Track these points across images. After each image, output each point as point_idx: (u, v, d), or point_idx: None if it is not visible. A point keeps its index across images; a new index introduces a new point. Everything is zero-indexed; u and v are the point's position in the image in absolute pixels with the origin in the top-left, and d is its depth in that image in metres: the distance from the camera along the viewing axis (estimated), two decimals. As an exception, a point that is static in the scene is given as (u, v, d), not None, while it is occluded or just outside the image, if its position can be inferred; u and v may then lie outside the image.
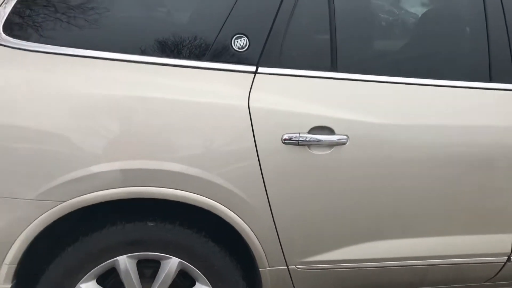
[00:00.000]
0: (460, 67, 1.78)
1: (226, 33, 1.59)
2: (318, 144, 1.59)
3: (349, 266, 1.76)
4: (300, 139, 1.57)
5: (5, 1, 1.52)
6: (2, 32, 1.49)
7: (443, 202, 1.74)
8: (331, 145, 1.60)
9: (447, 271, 1.86)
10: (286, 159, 1.58)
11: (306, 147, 1.59)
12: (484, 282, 1.97)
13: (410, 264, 1.80)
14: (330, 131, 1.60)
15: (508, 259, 1.86)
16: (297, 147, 1.58)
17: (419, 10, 1.86)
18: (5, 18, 1.50)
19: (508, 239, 1.84)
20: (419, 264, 1.80)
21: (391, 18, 1.87)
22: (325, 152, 1.60)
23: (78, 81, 1.50)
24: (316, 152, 1.60)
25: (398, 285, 1.89)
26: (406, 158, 1.67)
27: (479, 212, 1.79)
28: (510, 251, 1.85)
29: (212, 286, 1.68)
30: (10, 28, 1.50)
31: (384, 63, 1.76)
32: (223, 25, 1.59)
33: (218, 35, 1.59)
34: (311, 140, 1.58)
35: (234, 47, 1.59)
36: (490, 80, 1.75)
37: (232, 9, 1.60)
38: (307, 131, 1.58)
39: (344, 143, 1.60)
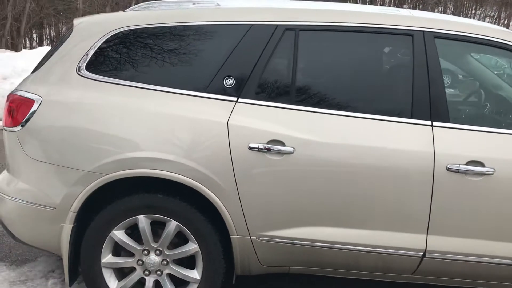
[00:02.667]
0: (386, 106, 2.44)
1: (220, 75, 2.44)
2: (272, 152, 2.34)
3: (296, 243, 2.43)
4: (260, 147, 2.34)
5: (92, 47, 2.49)
6: (85, 69, 2.47)
7: (365, 203, 2.37)
8: (282, 153, 2.34)
9: (375, 259, 2.45)
10: (250, 160, 2.35)
11: (264, 153, 2.35)
12: (411, 275, 2.52)
13: (343, 248, 2.42)
14: (282, 143, 2.35)
15: (424, 255, 2.42)
16: (258, 152, 2.35)
17: (360, 61, 2.55)
18: (88, 59, 2.48)
19: (423, 238, 2.40)
20: (351, 249, 2.42)
21: (339, 69, 2.57)
22: (277, 158, 2.35)
23: (136, 103, 2.40)
24: (271, 157, 2.35)
25: (337, 265, 2.52)
26: (338, 166, 2.35)
27: (396, 215, 2.38)
28: (424, 248, 2.41)
29: (198, 245, 2.46)
30: (91, 66, 2.47)
31: (329, 100, 2.46)
32: (219, 70, 2.44)
33: (215, 76, 2.44)
34: (267, 149, 2.34)
35: (224, 84, 2.43)
36: (412, 116, 2.39)
37: (225, 60, 2.45)
38: (265, 142, 2.34)
39: (291, 153, 2.34)
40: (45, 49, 15.64)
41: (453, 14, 33.73)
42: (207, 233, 2.45)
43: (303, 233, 2.43)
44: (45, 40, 26.76)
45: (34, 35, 26.49)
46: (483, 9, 35.28)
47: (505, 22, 36.19)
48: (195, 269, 2.51)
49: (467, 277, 2.51)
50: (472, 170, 2.31)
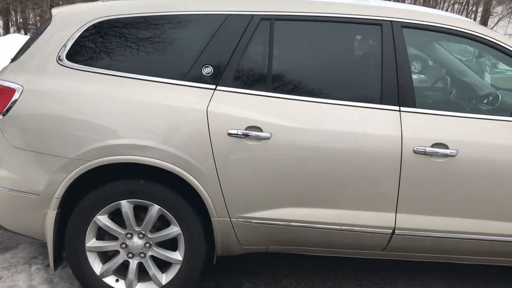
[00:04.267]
0: (357, 92, 2.58)
1: (199, 64, 2.52)
2: (250, 137, 2.45)
3: (273, 224, 2.56)
4: (238, 133, 2.44)
5: (71, 37, 2.54)
6: (65, 59, 2.52)
7: (338, 184, 2.51)
8: (260, 138, 2.46)
9: (348, 237, 2.60)
10: (229, 145, 2.46)
11: (243, 139, 2.45)
12: (382, 251, 2.69)
13: (318, 227, 2.56)
14: (260, 129, 2.46)
15: (393, 232, 2.58)
16: (236, 138, 2.45)
17: (333, 50, 2.68)
18: (67, 49, 2.53)
19: (392, 217, 2.56)
20: (325, 228, 2.57)
21: (312, 58, 2.69)
22: (255, 143, 2.46)
23: (116, 91, 2.46)
24: (249, 142, 2.46)
25: (312, 244, 2.66)
26: (312, 150, 2.48)
27: (366, 195, 2.53)
28: (394, 226, 2.57)
29: (180, 227, 2.56)
30: (71, 56, 2.52)
31: (304, 87, 2.58)
32: (197, 59, 2.52)
33: (194, 64, 2.52)
34: (245, 134, 2.44)
35: (203, 73, 2.51)
36: (381, 102, 2.53)
37: (203, 49, 2.53)
38: (244, 128, 2.45)
39: (268, 138, 2.45)
40: (14, 36, 15.26)
41: (424, 1, 34.34)
42: (188, 216, 2.55)
43: (280, 214, 2.56)
44: (12, 27, 26.06)
45: (0, 22, 25.77)
46: (452, -5, 35.95)
47: (473, 8, 37.05)
48: (177, 251, 2.61)
49: (435, 252, 2.69)
50: (437, 152, 2.47)
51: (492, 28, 36.98)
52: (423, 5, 36.65)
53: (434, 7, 38.69)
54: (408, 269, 3.20)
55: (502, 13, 37.10)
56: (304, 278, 3.06)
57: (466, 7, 37.93)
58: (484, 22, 36.75)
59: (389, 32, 2.58)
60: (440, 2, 39.28)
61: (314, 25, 2.63)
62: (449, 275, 3.18)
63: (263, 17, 2.58)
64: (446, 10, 38.28)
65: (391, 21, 2.60)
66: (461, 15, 38.77)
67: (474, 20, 39.96)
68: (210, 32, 2.56)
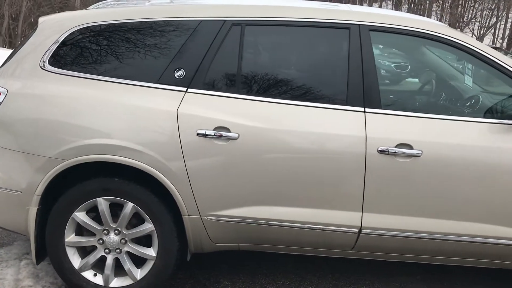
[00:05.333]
0: (324, 94, 2.64)
1: (171, 68, 2.64)
2: (219, 138, 2.54)
3: (243, 222, 2.64)
4: (207, 133, 2.54)
5: (54, 43, 2.70)
6: (48, 64, 2.68)
7: (305, 183, 2.57)
8: (228, 139, 2.55)
9: (315, 235, 2.66)
10: (198, 145, 2.56)
11: (211, 139, 2.55)
12: (351, 250, 2.72)
13: (286, 225, 2.63)
14: (228, 130, 2.55)
15: (360, 231, 2.62)
16: (205, 138, 2.55)
17: (301, 53, 2.75)
18: (51, 54, 2.69)
19: (358, 216, 2.60)
20: (293, 226, 2.63)
21: (281, 61, 2.78)
22: (224, 143, 2.55)
23: (92, 94, 2.60)
24: (218, 142, 2.55)
25: (281, 242, 2.73)
26: (280, 150, 2.55)
27: (333, 194, 2.58)
28: (360, 225, 2.61)
29: (153, 225, 2.67)
30: (54, 61, 2.67)
31: (272, 89, 2.66)
32: (170, 62, 2.64)
33: (166, 68, 2.64)
34: (214, 135, 2.54)
35: (175, 76, 2.63)
36: (347, 104, 2.59)
37: (176, 54, 2.65)
38: (212, 128, 2.55)
39: (236, 138, 2.54)
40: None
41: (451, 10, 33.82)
42: (161, 213, 2.66)
43: (249, 212, 2.64)
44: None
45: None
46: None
47: (503, 13, 36.26)
48: (151, 247, 2.72)
49: (403, 252, 2.71)
50: (401, 152, 2.51)
51: (523, 34, 36.06)
52: (450, 14, 36.22)
53: (462, 15, 38.10)
54: (386, 270, 3.22)
55: (533, 18, 36.19)
56: (282, 277, 3.12)
57: (496, 12, 37.18)
58: (514, 28, 35.89)
59: (356, 36, 2.64)
60: (469, 8, 38.66)
61: (284, 30, 2.71)
62: (428, 277, 3.18)
63: (234, 22, 2.68)
64: (474, 17, 37.69)
65: (358, 24, 2.66)
66: (489, 21, 38.11)
67: (505, 26, 39.10)
68: (183, 37, 2.68)
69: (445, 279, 3.17)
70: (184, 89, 2.62)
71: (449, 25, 37.28)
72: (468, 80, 3.08)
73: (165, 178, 2.58)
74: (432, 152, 2.52)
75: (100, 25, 2.72)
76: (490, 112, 2.70)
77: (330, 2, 3.18)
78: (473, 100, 2.98)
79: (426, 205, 2.57)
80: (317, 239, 2.69)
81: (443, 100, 3.07)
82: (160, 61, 2.67)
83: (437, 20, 44.11)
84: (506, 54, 25.89)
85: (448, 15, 38.27)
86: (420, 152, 2.51)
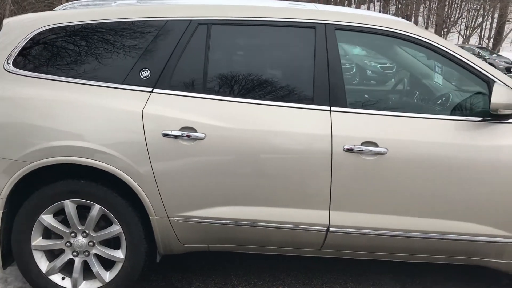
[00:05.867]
0: (291, 93, 2.64)
1: (137, 68, 2.62)
2: (184, 138, 2.53)
3: (212, 223, 2.62)
4: (173, 134, 2.53)
5: (18, 45, 2.67)
6: (12, 65, 2.65)
7: (273, 182, 2.56)
8: (194, 139, 2.54)
9: (285, 234, 2.65)
10: (164, 146, 2.54)
11: (178, 139, 2.54)
12: (320, 249, 2.72)
13: (255, 225, 2.62)
14: (194, 130, 2.54)
15: (328, 230, 2.62)
16: (171, 139, 2.54)
17: (267, 52, 2.76)
18: (14, 56, 2.66)
19: (326, 214, 2.60)
20: (262, 225, 2.62)
21: (248, 60, 2.77)
22: (190, 143, 2.54)
23: (57, 96, 2.58)
24: (184, 143, 2.54)
25: (251, 242, 2.72)
26: (247, 150, 2.55)
27: (300, 193, 2.58)
28: (328, 223, 2.61)
29: (121, 226, 2.65)
30: (17, 62, 2.65)
31: (239, 89, 2.65)
32: (135, 63, 2.63)
33: (132, 69, 2.63)
34: (180, 135, 2.53)
35: (140, 76, 2.62)
36: (313, 103, 2.59)
37: (142, 54, 2.64)
38: (178, 129, 2.54)
39: (203, 138, 2.54)
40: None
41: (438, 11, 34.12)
42: (128, 215, 2.64)
43: (217, 213, 2.62)
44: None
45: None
46: None
47: (489, 14, 36.64)
48: (119, 250, 2.70)
49: (372, 250, 2.72)
50: (366, 150, 2.51)
51: (508, 33, 36.50)
52: (437, 15, 36.51)
53: (449, 15, 38.42)
54: (359, 268, 3.22)
55: (519, 18, 36.62)
56: (255, 277, 3.11)
57: (482, 13, 37.56)
58: (500, 28, 36.32)
59: (322, 35, 2.65)
60: (456, 9, 39.02)
61: (250, 29, 2.71)
62: (400, 274, 3.19)
63: (200, 22, 2.67)
64: (460, 17, 38.03)
65: (324, 24, 2.66)
66: (475, 21, 38.43)
67: (490, 26, 39.48)
68: (149, 38, 2.67)
69: (417, 276, 3.17)
70: (150, 89, 2.61)
71: (436, 26, 37.74)
72: (438, 78, 3.10)
73: (131, 179, 2.56)
74: (398, 150, 2.53)
75: (65, 27, 2.70)
76: (458, 110, 2.72)
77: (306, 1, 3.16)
78: (442, 98, 3.00)
79: (392, 202, 2.57)
80: (286, 238, 2.68)
81: (411, 98, 3.08)
82: (126, 62, 2.66)
83: (424, 20, 44.27)
84: (491, 54, 26.10)
85: (434, 16, 38.67)
86: (385, 150, 2.52)
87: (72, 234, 2.68)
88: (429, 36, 2.66)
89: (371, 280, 3.12)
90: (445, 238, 2.60)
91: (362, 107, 2.64)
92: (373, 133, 2.54)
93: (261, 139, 2.56)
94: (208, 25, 2.67)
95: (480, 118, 2.58)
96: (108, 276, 2.72)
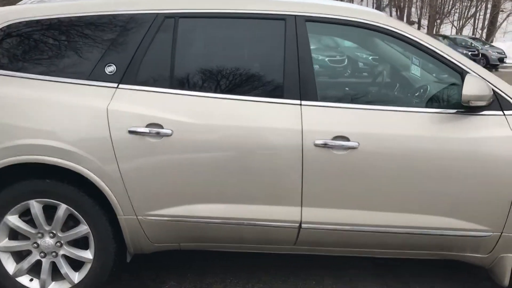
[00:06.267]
0: (261, 88, 2.58)
1: (102, 63, 2.55)
2: (151, 134, 2.46)
3: (181, 221, 2.56)
4: (139, 130, 2.46)
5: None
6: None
7: (243, 179, 2.50)
8: (161, 135, 2.47)
9: (257, 232, 2.59)
10: (130, 143, 2.48)
11: (144, 136, 2.47)
12: (294, 246, 2.67)
13: (226, 223, 2.56)
14: (161, 126, 2.47)
15: (300, 226, 2.56)
16: (137, 136, 2.47)
17: (237, 46, 2.68)
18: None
19: (298, 211, 2.55)
20: (233, 223, 2.56)
21: (217, 54, 2.70)
22: (157, 140, 2.47)
23: (21, 93, 2.50)
24: (150, 140, 2.47)
25: (223, 240, 2.66)
26: (216, 146, 2.48)
27: (272, 189, 2.51)
28: (300, 220, 2.55)
29: (88, 226, 2.59)
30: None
31: (207, 84, 2.59)
32: (100, 58, 2.56)
33: (97, 64, 2.55)
34: (145, 132, 2.46)
35: (106, 72, 2.54)
36: (283, 97, 2.53)
37: (107, 49, 2.56)
38: (144, 125, 2.47)
39: (170, 135, 2.47)
40: None
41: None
42: (95, 215, 2.58)
43: (187, 211, 2.56)
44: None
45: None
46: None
47: (483, 4, 36.60)
48: (88, 250, 2.64)
49: (345, 246, 2.66)
50: (337, 145, 2.45)
51: (501, 24, 36.49)
52: (430, 6, 36.42)
53: (442, 6, 38.35)
54: (335, 264, 3.17)
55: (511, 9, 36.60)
56: (231, 275, 3.06)
57: (475, 3, 37.52)
58: (493, 18, 36.28)
59: (292, 27, 2.58)
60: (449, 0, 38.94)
61: (218, 22, 2.64)
62: (377, 270, 3.14)
63: (167, 15, 2.60)
64: (453, 8, 37.99)
65: (294, 15, 2.59)
66: (468, 12, 38.36)
67: (484, 17, 39.42)
68: (114, 32, 2.59)
69: (393, 271, 3.13)
70: (115, 85, 2.54)
71: (429, 17, 37.66)
72: (413, 70, 3.03)
73: (97, 178, 2.50)
74: (369, 144, 2.47)
75: (28, 22, 2.62)
76: (433, 102, 2.66)
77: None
78: (418, 90, 2.93)
79: (365, 197, 2.52)
80: (258, 235, 2.63)
81: (384, 91, 3.02)
82: (91, 57, 2.58)
83: (417, 12, 44.14)
84: (484, 44, 26.07)
85: (427, 7, 38.59)
86: (357, 144, 2.46)
87: (39, 234, 2.61)
88: (402, 27, 2.59)
89: (348, 276, 3.07)
90: (419, 233, 2.55)
91: (334, 100, 2.58)
92: (344, 127, 2.48)
93: (229, 135, 2.50)
94: (175, 19, 2.60)
95: (455, 110, 2.52)
96: (77, 276, 2.66)
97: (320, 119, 2.50)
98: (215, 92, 2.55)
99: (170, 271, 3.09)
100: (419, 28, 40.88)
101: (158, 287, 2.92)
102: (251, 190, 2.54)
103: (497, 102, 2.51)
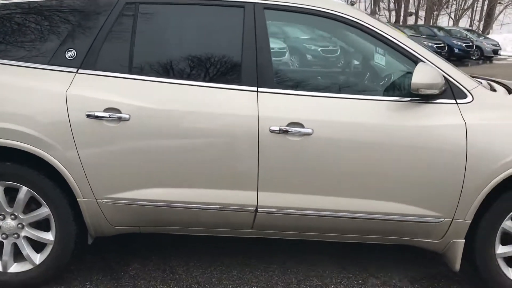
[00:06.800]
0: (219, 74, 2.62)
1: (63, 48, 2.59)
2: (109, 119, 2.51)
3: (140, 204, 2.61)
4: (96, 114, 2.50)
5: None
6: None
7: (201, 163, 2.55)
8: (119, 120, 2.51)
9: (214, 215, 2.65)
10: (88, 127, 2.52)
11: (102, 120, 2.51)
12: (252, 229, 2.72)
13: (184, 206, 2.61)
14: (119, 111, 2.51)
15: (256, 210, 2.62)
16: (95, 120, 2.51)
17: (196, 32, 2.71)
18: None
19: (254, 195, 2.60)
20: (191, 207, 2.61)
21: (176, 40, 2.74)
22: (114, 124, 2.52)
23: None
24: (108, 124, 2.52)
25: (181, 223, 2.71)
26: (173, 130, 2.52)
27: (228, 174, 2.56)
28: (256, 204, 2.61)
29: (49, 209, 2.64)
30: None
31: (166, 69, 2.62)
32: (61, 43, 2.59)
33: (57, 49, 2.59)
34: (103, 116, 2.50)
35: (66, 57, 2.58)
36: (241, 83, 2.57)
37: (67, 34, 2.60)
38: (102, 110, 2.51)
39: (127, 119, 2.51)
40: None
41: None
42: (56, 197, 2.62)
43: (145, 195, 2.61)
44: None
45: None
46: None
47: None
48: (50, 232, 2.69)
49: (301, 230, 2.72)
50: (292, 131, 2.50)
51: (497, 16, 36.43)
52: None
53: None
54: (298, 249, 3.24)
55: (509, 1, 36.53)
56: (195, 259, 3.12)
57: (473, -6, 37.40)
58: (490, 10, 36.19)
59: (251, 14, 2.61)
60: (447, -10, 38.75)
61: (178, 8, 2.67)
62: (338, 254, 3.21)
63: (128, 1, 2.63)
64: (450, -2, 37.81)
65: (253, 3, 2.63)
66: (465, 3, 38.22)
67: (481, 8, 39.31)
68: (75, 17, 2.63)
69: (355, 257, 3.19)
70: (75, 70, 2.57)
71: (426, 8, 37.55)
72: (376, 59, 3.07)
73: (56, 161, 2.54)
74: (323, 131, 2.52)
75: (-11, 6, 2.65)
76: (389, 90, 2.70)
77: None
78: (378, 79, 2.98)
79: (319, 183, 2.57)
80: (216, 219, 2.68)
81: (342, 79, 3.06)
82: (52, 42, 2.62)
83: (416, 2, 43.86)
84: (479, 36, 26.02)
85: (425, -2, 38.44)
86: (311, 130, 2.50)
87: (1, 216, 2.66)
88: (359, 15, 2.63)
89: (310, 261, 3.13)
90: (372, 218, 2.61)
91: (290, 88, 2.62)
92: (300, 114, 2.53)
93: (187, 120, 2.54)
94: (136, 4, 2.63)
95: (409, 99, 2.57)
96: (38, 258, 2.71)
97: (276, 106, 2.54)
98: (174, 78, 2.59)
99: (136, 254, 3.15)
100: (416, 19, 40.77)
101: (122, 269, 2.98)
102: (209, 175, 2.58)
103: (450, 91, 2.56)
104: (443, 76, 2.54)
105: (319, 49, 4.36)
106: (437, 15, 37.93)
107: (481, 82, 2.97)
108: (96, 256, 3.10)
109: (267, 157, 2.54)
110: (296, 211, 2.61)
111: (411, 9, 42.64)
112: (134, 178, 2.59)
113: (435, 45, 20.51)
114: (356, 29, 2.63)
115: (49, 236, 2.68)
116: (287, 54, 3.21)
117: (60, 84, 2.55)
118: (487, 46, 23.90)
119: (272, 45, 2.62)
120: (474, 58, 23.09)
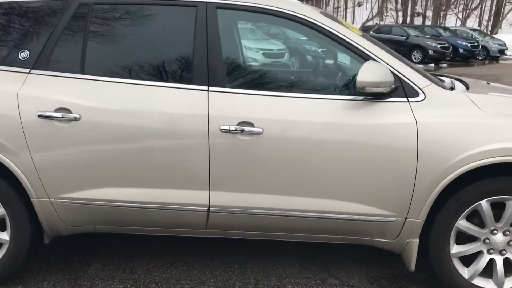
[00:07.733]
0: (170, 74, 2.62)
1: (16, 49, 2.61)
2: (59, 119, 2.52)
3: (93, 204, 2.62)
4: (47, 114, 2.52)
5: None
6: None
7: (152, 163, 2.55)
8: (69, 120, 2.52)
9: (167, 215, 2.64)
10: (39, 128, 2.53)
11: (52, 121, 2.53)
12: (206, 229, 2.72)
13: (137, 206, 2.60)
14: (69, 111, 2.53)
15: (209, 210, 2.61)
16: (46, 120, 2.53)
17: (148, 32, 2.71)
18: None
19: (206, 195, 2.59)
20: (144, 207, 2.61)
21: (128, 40, 2.72)
22: (65, 125, 2.53)
23: None
24: (59, 124, 2.53)
25: (136, 223, 2.71)
26: (123, 130, 2.53)
27: (180, 173, 2.56)
28: (208, 204, 2.60)
29: (4, 208, 2.65)
30: None
31: (117, 69, 2.62)
32: (15, 44, 2.61)
33: (11, 50, 2.61)
34: (54, 116, 2.52)
35: (19, 57, 2.60)
36: (191, 83, 2.57)
37: (21, 34, 2.62)
38: (53, 110, 2.52)
39: (78, 119, 2.52)
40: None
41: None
42: (10, 197, 2.64)
43: (98, 194, 2.62)
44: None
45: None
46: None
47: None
48: (5, 231, 2.70)
49: (256, 230, 2.71)
50: (242, 130, 2.49)
51: (506, 15, 36.06)
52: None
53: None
54: (261, 250, 3.22)
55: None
56: (157, 259, 3.11)
57: (481, -5, 37.08)
58: (498, 10, 35.84)
59: (203, 14, 2.61)
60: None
61: (132, 8, 2.68)
62: (301, 255, 3.18)
63: (82, 2, 2.65)
64: (458, -1, 37.51)
65: (206, 2, 2.62)
66: (472, 3, 37.87)
67: (490, 8, 38.96)
68: (29, 18, 2.65)
69: (317, 257, 3.17)
70: (27, 70, 2.59)
71: (433, 8, 37.31)
72: (343, 58, 3.04)
73: (8, 161, 2.56)
74: (274, 130, 2.50)
75: None
76: (344, 89, 2.68)
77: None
78: (333, 78, 2.95)
79: (270, 182, 2.56)
80: (169, 219, 2.68)
81: (296, 79, 3.03)
82: (6, 43, 2.64)
83: (423, 3, 43.61)
84: (485, 36, 25.78)
85: (432, -2, 38.20)
86: (261, 130, 2.49)
87: (-43, 216, 2.69)
88: (312, 14, 2.62)
89: (272, 260, 3.11)
90: (324, 217, 2.58)
91: (242, 87, 2.61)
92: (250, 113, 2.52)
93: (138, 120, 2.54)
94: (90, 5, 2.65)
95: (362, 97, 2.55)
96: (-6, 257, 2.74)
97: (227, 105, 2.53)
98: (125, 77, 2.59)
99: (98, 254, 3.15)
100: (424, 20, 40.54)
101: (82, 269, 2.98)
102: (161, 174, 2.58)
103: (402, 89, 2.53)
104: (395, 74, 2.51)
105: (275, 49, 4.32)
106: (445, 15, 37.66)
107: (443, 81, 2.95)
108: (61, 256, 3.11)
109: (217, 157, 2.53)
110: (249, 210, 2.59)
111: (419, 9, 42.43)
112: (86, 178, 2.60)
113: (439, 45, 20.35)
114: (309, 28, 2.61)
115: (4, 236, 2.70)
116: (241, 53, 3.20)
117: (12, 84, 2.57)
118: (493, 46, 23.66)
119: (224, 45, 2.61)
120: (480, 58, 22.89)
